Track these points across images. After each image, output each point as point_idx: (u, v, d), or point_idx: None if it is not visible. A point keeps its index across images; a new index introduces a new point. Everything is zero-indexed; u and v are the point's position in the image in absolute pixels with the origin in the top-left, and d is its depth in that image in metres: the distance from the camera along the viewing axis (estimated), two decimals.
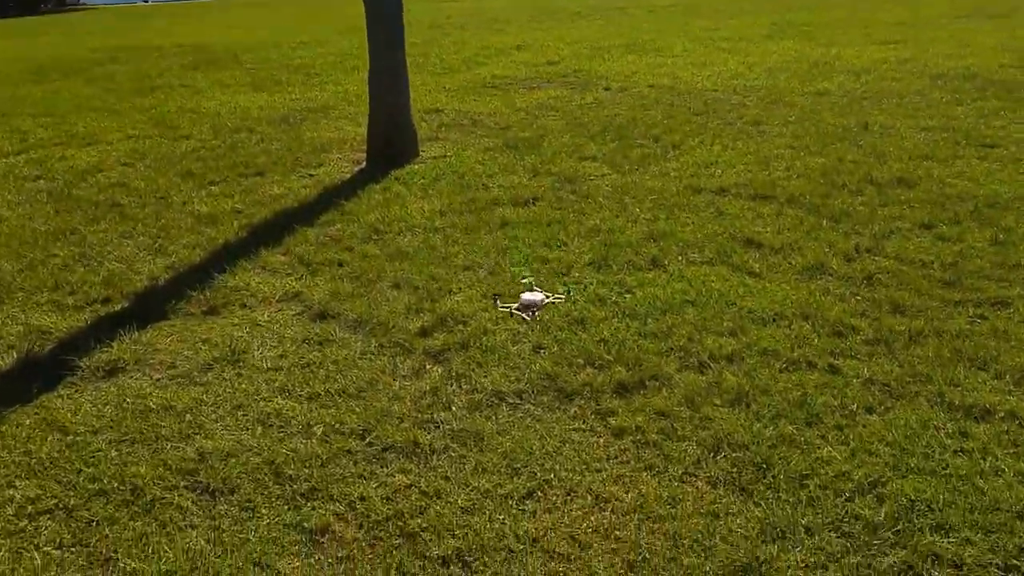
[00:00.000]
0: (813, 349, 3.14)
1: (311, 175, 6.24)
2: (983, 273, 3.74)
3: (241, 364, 3.49)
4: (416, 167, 6.15)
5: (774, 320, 3.38)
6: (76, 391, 3.36)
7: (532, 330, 3.49)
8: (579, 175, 5.65)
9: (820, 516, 2.27)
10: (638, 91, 8.33)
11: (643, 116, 7.20)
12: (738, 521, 2.26)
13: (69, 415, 3.16)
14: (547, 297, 3.04)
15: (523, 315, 2.88)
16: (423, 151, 6.53)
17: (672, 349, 3.22)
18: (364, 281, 4.20)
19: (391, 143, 6.30)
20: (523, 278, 3.16)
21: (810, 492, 2.36)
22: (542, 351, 3.32)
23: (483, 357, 3.32)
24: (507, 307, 2.90)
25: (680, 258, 4.10)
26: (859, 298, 3.57)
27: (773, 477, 2.43)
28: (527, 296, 3.16)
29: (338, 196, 5.60)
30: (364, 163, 6.45)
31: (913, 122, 6.32)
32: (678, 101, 7.70)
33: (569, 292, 2.99)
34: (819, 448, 2.56)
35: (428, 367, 3.32)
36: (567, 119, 7.31)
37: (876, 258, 3.96)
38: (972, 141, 5.69)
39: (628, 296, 3.72)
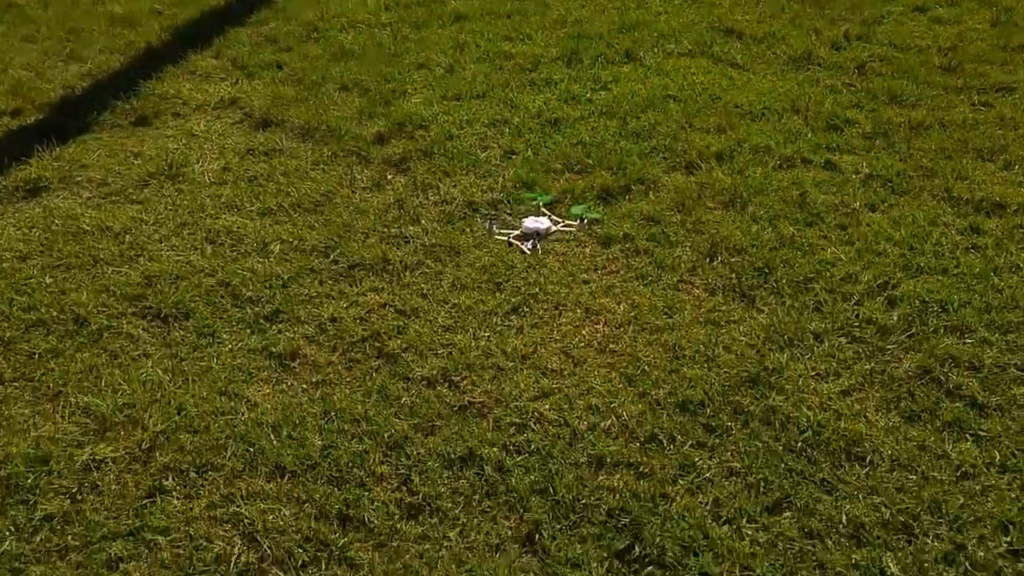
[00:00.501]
0: (808, 144, 2.87)
1: None
2: (984, 57, 3.44)
3: (180, 179, 3.07)
4: None
5: (763, 114, 3.07)
6: None
7: (502, 134, 3.12)
8: None
9: (829, 321, 2.11)
10: None
11: None
12: (741, 329, 2.09)
13: None
14: (556, 224, 2.50)
15: (523, 246, 2.42)
16: None
17: (657, 149, 2.90)
18: (307, 84, 3.69)
19: None
20: (534, 200, 2.62)
21: (816, 296, 2.18)
22: (515, 156, 2.98)
23: (449, 165, 2.96)
24: (505, 234, 2.44)
25: (656, 50, 3.67)
26: (852, 89, 3.25)
27: (776, 282, 2.24)
28: (531, 223, 2.52)
29: None
30: None
31: None
32: None
33: (583, 219, 2.45)
34: (822, 249, 2.36)
35: (390, 177, 2.96)
36: None
37: (867, 45, 3.60)
38: None
39: (604, 93, 3.33)
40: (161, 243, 2.69)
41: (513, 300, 2.27)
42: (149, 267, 2.55)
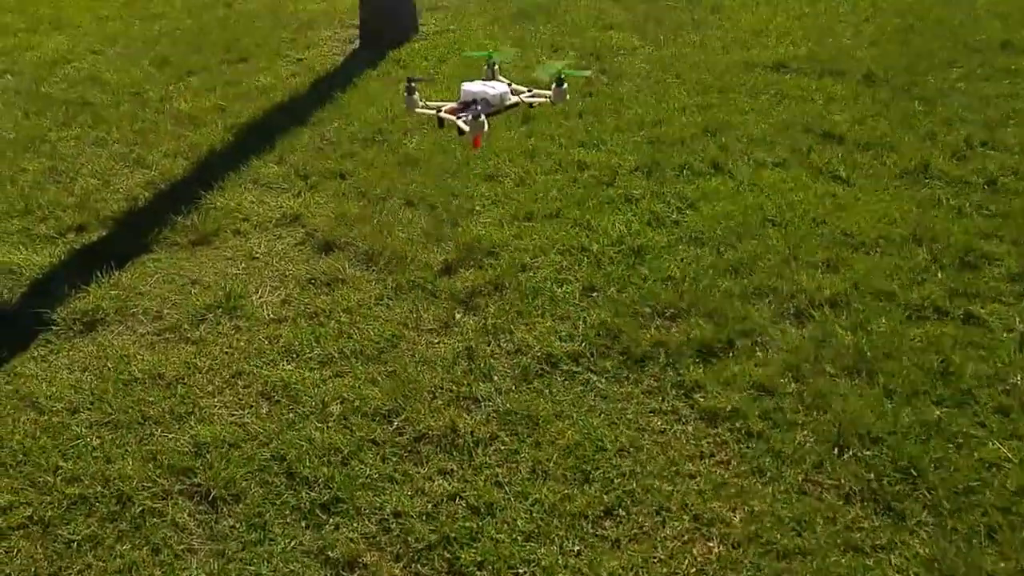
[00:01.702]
0: (940, 288, 2.44)
1: (300, 59, 5.28)
2: None
3: (238, 313, 2.86)
4: (416, 46, 5.18)
5: (879, 245, 2.66)
6: (51, 351, 2.78)
7: (580, 264, 2.80)
8: (606, 48, 4.71)
9: (1012, 561, 1.68)
10: None
11: None
12: (894, 562, 1.68)
13: (44, 386, 2.58)
14: (517, 93, 1.76)
15: (458, 122, 1.71)
16: (423, 25, 5.51)
17: (760, 290, 2.53)
18: (372, 198, 3.46)
19: (388, 20, 5.28)
20: (488, 57, 1.89)
21: (987, 516, 1.76)
22: (595, 294, 2.65)
23: (523, 303, 2.65)
24: (432, 107, 1.65)
25: (746, 158, 3.31)
26: (985, 212, 2.80)
27: (928, 490, 1.83)
28: (473, 86, 1.77)
29: (332, 86, 4.71)
30: (357, 42, 5.46)
31: None
32: None
33: (561, 80, 1.62)
34: (982, 444, 1.93)
35: (458, 317, 2.67)
36: None
37: (995, 154, 3.13)
38: None
39: (691, 213, 2.99)
40: (214, 397, 2.45)
41: (606, 498, 1.92)
42: (200, 431, 2.30)
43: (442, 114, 1.84)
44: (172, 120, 4.52)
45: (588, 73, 1.82)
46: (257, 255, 3.20)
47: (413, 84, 1.86)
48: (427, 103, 1.89)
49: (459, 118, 1.76)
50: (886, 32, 4.36)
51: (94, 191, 3.83)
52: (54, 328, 2.87)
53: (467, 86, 1.85)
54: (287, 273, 3.05)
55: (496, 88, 1.84)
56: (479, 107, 1.77)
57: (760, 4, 5.06)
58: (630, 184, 3.26)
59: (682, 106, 3.87)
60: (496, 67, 2.00)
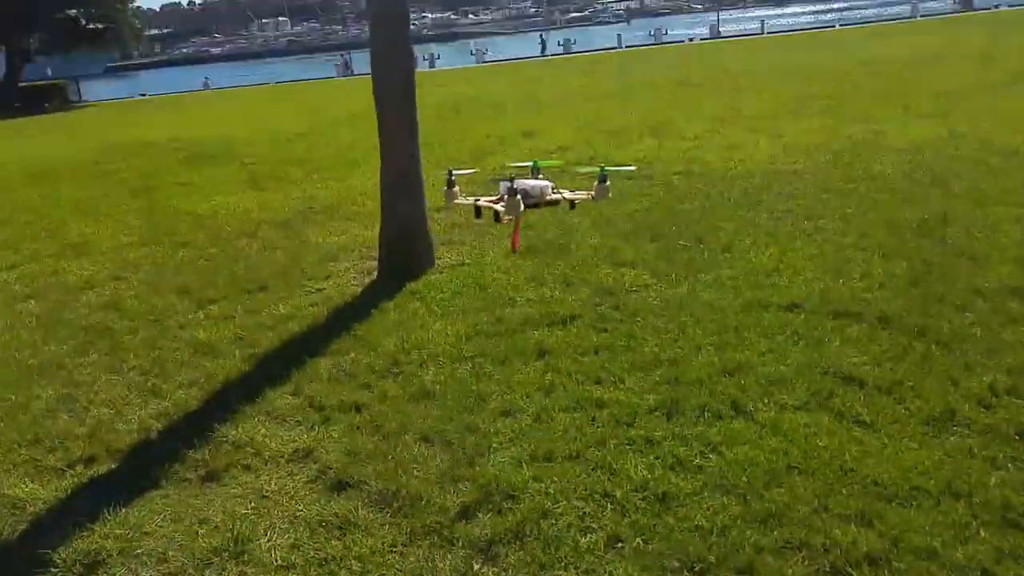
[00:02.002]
0: (987, 550, 2.46)
1: (319, 289, 5.74)
2: None
3: (245, 558, 2.91)
4: (433, 278, 5.64)
5: (913, 498, 2.74)
6: None
7: (604, 511, 2.88)
8: (619, 286, 5.12)
9: None
10: (665, 179, 7.90)
11: (679, 209, 6.74)
12: None
13: None
14: (558, 192, 1.96)
15: (495, 206, 1.90)
16: (439, 258, 6.04)
17: (791, 544, 2.58)
18: (386, 433, 3.62)
19: (405, 253, 5.82)
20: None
21: None
22: (621, 545, 2.70)
23: (545, 554, 2.70)
24: (473, 198, 1.95)
25: (767, 401, 3.51)
26: (1020, 465, 2.91)
27: None
28: (513, 184, 1.98)
29: (350, 317, 5.08)
30: (375, 273, 5.96)
31: (1000, 211, 5.75)
32: (714, 191, 7.26)
33: (603, 177, 1.92)
34: None
35: (476, 567, 2.70)
36: (592, 215, 6.84)
37: (1022, 403, 3.31)
38: None
39: (715, 458, 3.12)
40: None
41: None
42: None
43: (480, 203, 2.14)
44: (190, 349, 4.84)
45: (631, 168, 2.15)
46: (267, 493, 3.30)
47: (453, 177, 2.18)
48: (465, 196, 2.21)
49: (496, 203, 2.06)
50: (895, 275, 4.76)
51: (106, 421, 4.02)
52: (53, 570, 2.91)
53: (506, 183, 2.13)
54: (297, 514, 3.12)
55: (537, 183, 2.16)
56: (517, 192, 2.07)
57: (770, 245, 5.57)
58: (650, 425, 3.42)
59: (698, 345, 4.15)
60: (539, 174, 2.31)
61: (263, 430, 3.79)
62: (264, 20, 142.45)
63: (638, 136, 10.51)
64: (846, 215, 6.07)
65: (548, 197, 2.46)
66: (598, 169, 2.39)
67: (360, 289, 5.68)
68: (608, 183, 2.12)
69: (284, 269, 6.24)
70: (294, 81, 42.62)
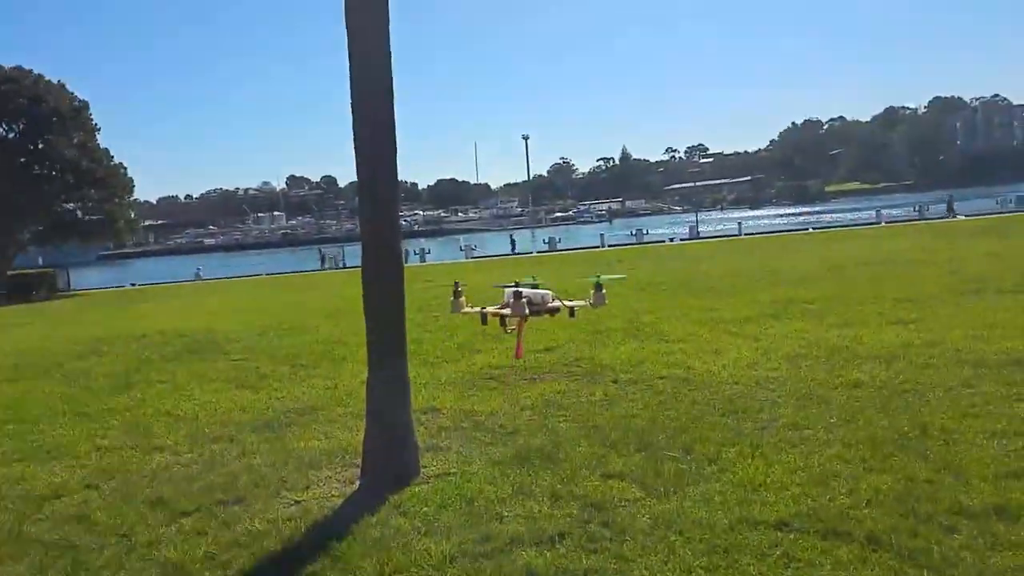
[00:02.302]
0: None
1: (298, 501, 5.64)
2: None
3: None
4: (417, 490, 5.59)
5: None
6: None
7: None
8: (608, 500, 5.10)
9: None
10: (650, 384, 8.07)
11: (664, 416, 6.84)
12: None
13: None
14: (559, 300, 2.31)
15: (502, 310, 2.14)
16: (424, 466, 6.02)
17: None
18: None
19: (390, 464, 5.81)
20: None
21: None
22: None
23: None
24: (479, 308, 2.27)
25: None
26: None
27: None
28: (518, 290, 2.38)
29: (328, 534, 4.97)
30: (358, 482, 5.90)
31: (977, 424, 5.91)
32: (699, 397, 7.41)
33: (599, 287, 2.27)
34: None
35: None
36: (579, 421, 6.93)
37: None
38: None
39: None
40: None
41: None
42: None
43: (486, 311, 2.46)
44: (157, 570, 4.68)
45: (623, 277, 2.55)
46: None
47: (459, 288, 2.62)
48: (471, 305, 2.57)
49: (501, 309, 2.40)
50: (881, 491, 4.80)
51: None
52: None
53: (511, 289, 2.51)
54: None
55: (539, 291, 2.54)
56: (523, 298, 2.42)
57: (756, 456, 5.63)
58: None
59: (688, 567, 4.09)
60: (537, 285, 2.72)
61: None
62: (260, 214, 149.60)
63: (622, 338, 10.84)
64: (829, 425, 6.19)
65: (549, 304, 2.88)
66: (595, 279, 2.80)
67: (341, 501, 5.59)
68: (604, 291, 2.44)
69: (263, 478, 6.16)
70: (287, 273, 44.15)
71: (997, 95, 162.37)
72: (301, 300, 21.94)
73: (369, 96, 5.86)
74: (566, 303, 4.07)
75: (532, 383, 8.59)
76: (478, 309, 4.16)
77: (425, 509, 5.24)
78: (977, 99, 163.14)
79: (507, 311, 3.43)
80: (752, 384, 7.69)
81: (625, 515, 4.85)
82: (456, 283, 4.01)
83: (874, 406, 6.59)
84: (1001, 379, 7.10)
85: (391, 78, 5.89)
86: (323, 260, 44.30)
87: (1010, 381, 7.01)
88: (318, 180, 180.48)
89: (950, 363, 7.80)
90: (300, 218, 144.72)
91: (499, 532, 4.74)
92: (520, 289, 3.56)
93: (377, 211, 6.03)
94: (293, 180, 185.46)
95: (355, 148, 5.92)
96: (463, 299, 4.89)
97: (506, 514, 5.04)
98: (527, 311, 3.74)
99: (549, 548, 4.49)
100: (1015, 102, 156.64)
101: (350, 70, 5.84)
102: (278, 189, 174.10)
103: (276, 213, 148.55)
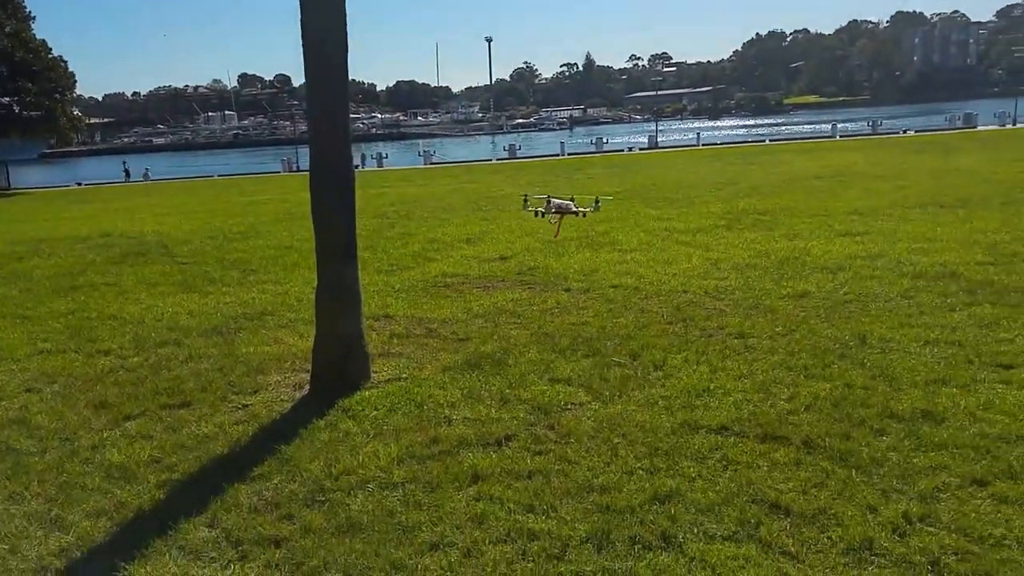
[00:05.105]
0: None
1: (245, 405, 5.59)
2: None
3: None
4: (367, 394, 5.57)
5: None
6: None
7: None
8: (554, 404, 5.15)
9: None
10: (602, 292, 8.10)
11: (613, 324, 6.88)
12: None
13: None
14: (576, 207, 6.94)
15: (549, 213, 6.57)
16: (374, 371, 5.99)
17: None
18: (305, 572, 3.47)
19: (340, 370, 5.74)
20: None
21: None
22: None
23: None
24: (534, 208, 5.63)
25: (697, 531, 3.52)
26: None
27: None
28: (558, 201, 6.70)
29: (276, 437, 4.94)
30: (307, 387, 5.85)
31: (913, 333, 6.08)
32: (648, 305, 7.46)
33: (597, 202, 6.07)
34: None
35: None
36: (530, 328, 6.94)
37: (934, 531, 3.40)
38: (985, 360, 5.41)
39: None
40: None
41: None
42: None
43: (540, 209, 6.98)
44: (101, 473, 4.61)
45: (610, 198, 5.18)
46: None
47: (526, 198, 7.44)
48: (531, 208, 7.14)
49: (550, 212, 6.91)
50: (819, 397, 4.93)
51: None
52: None
53: (553, 199, 7.04)
54: None
55: (565, 201, 6.97)
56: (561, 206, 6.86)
57: (701, 363, 5.71)
58: (581, 559, 3.38)
59: (630, 469, 4.17)
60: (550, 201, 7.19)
61: (173, 568, 3.60)
62: (210, 113, 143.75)
63: (576, 248, 10.80)
64: (774, 334, 6.29)
65: (571, 209, 7.03)
66: (594, 198, 7.26)
67: (290, 405, 5.55)
68: (600, 204, 6.90)
69: (210, 381, 6.07)
70: (239, 175, 42.77)
71: (957, 11, 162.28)
72: (252, 203, 21.35)
73: None
74: (580, 209, 7.34)
75: (486, 291, 8.56)
76: (534, 209, 7.96)
77: (374, 413, 5.22)
78: (938, 15, 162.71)
79: (554, 210, 7.64)
80: (701, 293, 7.76)
81: (571, 418, 4.91)
82: (525, 196, 7.98)
83: (818, 316, 6.71)
84: (937, 290, 7.28)
85: None
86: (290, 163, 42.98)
87: (945, 292, 7.19)
88: (272, 79, 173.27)
89: (892, 275, 7.95)
90: (253, 118, 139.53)
91: (447, 435, 4.76)
92: (554, 200, 7.43)
93: (326, 113, 5.75)
94: (245, 79, 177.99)
95: (303, 43, 5.57)
96: (528, 203, 7.99)
97: (455, 417, 5.06)
98: (562, 218, 7.76)
99: (496, 450, 4.54)
100: (973, 19, 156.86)
101: None
102: (229, 88, 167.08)
103: (228, 113, 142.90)
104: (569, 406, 5.13)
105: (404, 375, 5.96)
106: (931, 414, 4.55)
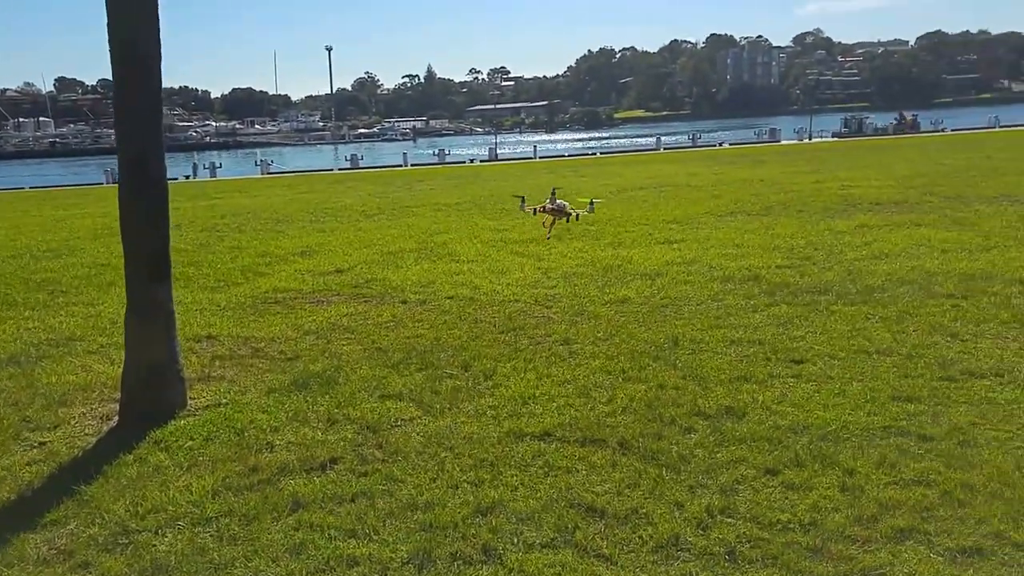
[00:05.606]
0: None
1: (42, 443, 5.02)
2: (845, 533, 3.48)
3: None
4: (183, 423, 5.16)
5: None
6: None
7: None
8: (384, 421, 5.01)
9: None
10: (438, 304, 8.04)
11: (448, 336, 6.84)
12: None
13: None
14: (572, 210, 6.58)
15: (544, 212, 6.75)
16: (192, 398, 5.57)
17: None
18: None
19: (152, 399, 5.28)
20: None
21: None
22: None
23: None
24: (531, 207, 6.22)
25: (517, 541, 3.52)
26: None
27: None
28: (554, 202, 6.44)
29: (76, 476, 4.46)
30: (116, 419, 5.35)
31: (720, 334, 6.46)
32: (482, 315, 7.48)
33: (591, 204, 5.95)
34: None
35: None
36: (364, 343, 6.75)
37: (731, 521, 3.60)
38: (781, 356, 5.84)
39: None
40: None
41: None
42: None
43: (536, 207, 6.76)
44: None
45: (601, 200, 5.43)
46: None
47: (521, 198, 7.42)
48: (528, 207, 7.04)
49: (544, 210, 6.72)
50: (635, 399, 5.12)
51: None
52: None
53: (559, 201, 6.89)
54: None
55: (561, 202, 6.82)
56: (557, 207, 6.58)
57: (528, 371, 5.78)
58: None
59: (455, 483, 4.12)
60: (555, 194, 7.16)
61: None
62: (22, 119, 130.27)
63: (415, 260, 10.68)
64: (596, 339, 6.49)
65: (566, 211, 6.81)
66: (589, 200, 7.38)
67: (95, 440, 5.04)
68: (593, 207, 7.05)
69: (1, 419, 5.39)
70: (55, 187, 38.94)
71: (760, 35, 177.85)
72: (67, 217, 19.46)
73: None
74: (574, 210, 7.30)
75: (319, 306, 8.24)
76: (531, 209, 7.89)
77: (189, 443, 4.85)
78: (745, 38, 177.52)
79: (549, 209, 7.41)
80: (531, 302, 7.89)
81: (399, 435, 4.79)
82: (522, 198, 7.91)
83: (637, 320, 7.00)
84: (742, 292, 7.82)
85: None
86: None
87: (749, 294, 7.74)
88: (94, 83, 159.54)
89: (704, 279, 8.46)
90: (73, 125, 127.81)
91: (268, 462, 4.50)
92: (556, 201, 7.33)
93: (134, 119, 5.29)
94: (63, 83, 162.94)
95: (109, 42, 5.12)
96: (524, 204, 7.97)
97: (277, 442, 4.80)
98: (555, 221, 7.55)
99: (319, 474, 4.34)
100: (774, 43, 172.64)
101: None
102: (44, 92, 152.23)
103: (43, 119, 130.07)
104: (399, 422, 5.01)
105: (225, 400, 5.58)
106: (733, 410, 4.85)
